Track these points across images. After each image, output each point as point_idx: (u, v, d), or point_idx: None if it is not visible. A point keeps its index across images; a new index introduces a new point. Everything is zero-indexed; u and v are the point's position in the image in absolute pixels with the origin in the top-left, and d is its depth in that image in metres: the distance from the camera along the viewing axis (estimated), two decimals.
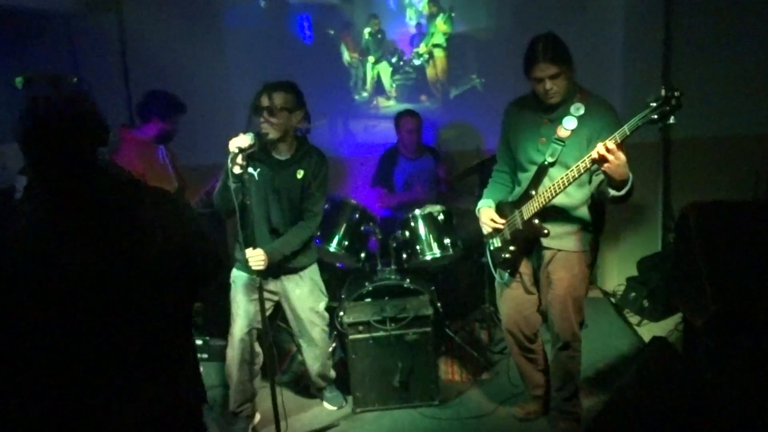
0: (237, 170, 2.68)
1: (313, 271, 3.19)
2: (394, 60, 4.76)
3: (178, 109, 3.59)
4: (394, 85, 4.82)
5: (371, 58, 4.77)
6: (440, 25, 4.64)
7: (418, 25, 4.70)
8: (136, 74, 4.67)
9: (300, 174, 2.97)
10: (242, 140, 2.68)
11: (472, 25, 4.65)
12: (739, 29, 4.32)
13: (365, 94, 4.84)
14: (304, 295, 3.14)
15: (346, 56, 4.78)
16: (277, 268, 3.00)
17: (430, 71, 4.76)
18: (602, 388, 3.35)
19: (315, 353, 3.27)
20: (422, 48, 4.71)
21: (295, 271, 3.10)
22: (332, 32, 4.77)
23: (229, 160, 2.67)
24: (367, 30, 4.73)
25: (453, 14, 4.63)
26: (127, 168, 3.20)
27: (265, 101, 2.81)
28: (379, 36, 4.74)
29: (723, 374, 2.70)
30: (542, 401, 3.11)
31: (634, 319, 4.34)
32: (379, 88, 4.83)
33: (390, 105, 4.83)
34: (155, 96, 3.54)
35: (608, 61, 4.49)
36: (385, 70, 4.80)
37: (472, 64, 4.71)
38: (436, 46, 4.70)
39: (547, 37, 2.57)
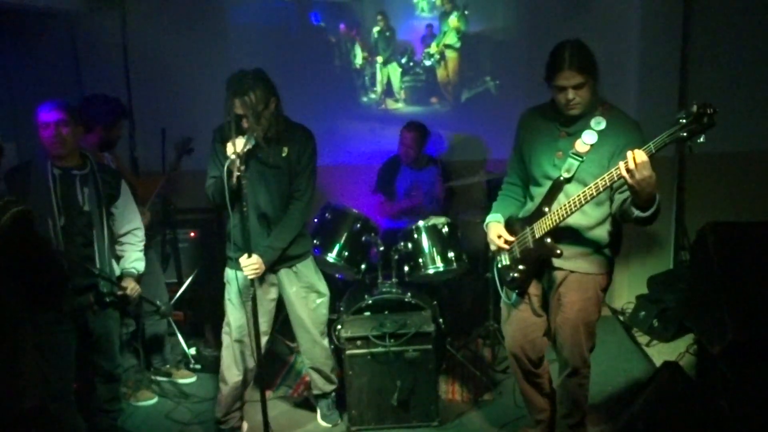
0: (236, 173, 2.61)
1: (307, 266, 3.07)
2: (404, 60, 4.60)
3: (123, 113, 3.45)
4: (403, 87, 4.66)
5: (380, 59, 4.62)
6: (453, 22, 4.47)
7: (429, 26, 4.53)
8: (138, 73, 4.61)
9: (284, 152, 2.84)
10: (239, 144, 2.62)
11: (486, 24, 4.46)
12: (758, 42, 4.23)
13: (374, 96, 4.69)
14: (299, 294, 3.04)
15: (359, 57, 4.63)
16: (273, 264, 2.90)
17: (441, 73, 4.59)
18: (610, 414, 3.21)
19: (315, 350, 3.15)
20: (433, 48, 4.54)
21: (288, 262, 2.98)
22: (341, 31, 4.64)
23: (227, 166, 2.60)
24: (375, 29, 4.58)
25: (467, 12, 4.45)
26: None
27: (239, 109, 2.67)
28: (388, 34, 4.57)
29: (740, 405, 2.56)
30: (546, 426, 2.96)
31: (643, 338, 4.19)
32: (387, 90, 4.68)
33: (398, 107, 4.68)
34: (96, 102, 3.35)
35: (624, 73, 4.37)
36: (394, 71, 4.65)
37: (485, 66, 4.53)
38: (448, 46, 4.53)
39: (574, 44, 2.41)
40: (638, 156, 2.11)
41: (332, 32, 4.62)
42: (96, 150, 3.34)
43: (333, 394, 3.30)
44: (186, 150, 3.83)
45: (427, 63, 4.57)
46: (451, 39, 4.50)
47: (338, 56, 4.64)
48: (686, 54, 4.31)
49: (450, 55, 4.55)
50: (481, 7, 4.45)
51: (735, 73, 4.22)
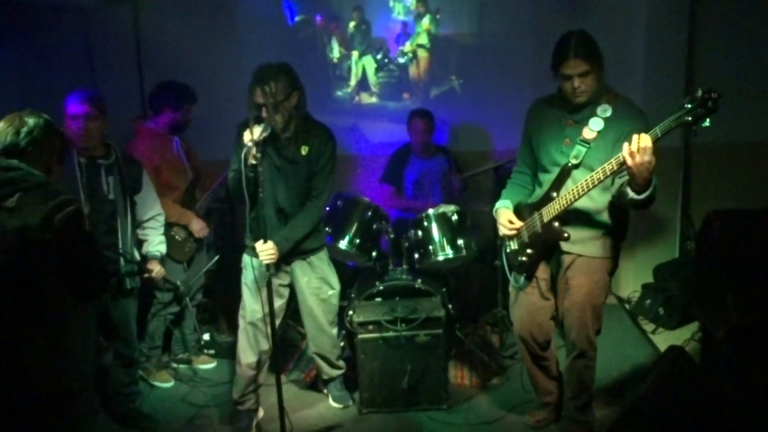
0: (252, 161, 2.68)
1: (321, 258, 3.15)
2: (379, 57, 4.79)
3: (190, 98, 3.58)
4: (378, 82, 4.83)
5: (355, 53, 4.77)
6: (425, 25, 4.71)
7: (404, 24, 4.74)
8: (151, 67, 4.65)
9: (305, 150, 2.91)
10: (256, 132, 2.68)
11: (455, 28, 4.74)
12: (764, 34, 4.23)
13: (348, 90, 4.84)
14: (311, 284, 3.12)
15: (336, 51, 4.77)
16: (287, 254, 2.97)
17: (412, 70, 4.81)
18: (616, 398, 3.27)
19: (322, 338, 3.23)
20: (407, 47, 4.75)
21: (303, 255, 3.06)
22: (318, 24, 4.77)
23: (243, 153, 2.67)
24: (352, 23, 4.74)
25: (438, 16, 4.69)
26: (143, 159, 3.20)
27: (259, 98, 2.75)
28: (363, 27, 4.74)
29: (744, 387, 2.62)
30: (553, 408, 3.03)
31: (648, 326, 4.25)
32: (362, 84, 4.84)
33: (372, 102, 4.85)
34: (166, 87, 3.54)
35: (630, 63, 4.40)
36: (369, 64, 4.81)
37: (452, 66, 4.80)
38: (420, 46, 4.75)
39: (579, 34, 2.48)
40: (643, 140, 2.19)
41: (310, 25, 4.76)
42: (166, 131, 3.52)
43: (341, 377, 3.39)
44: None
45: (401, 60, 4.79)
46: (423, 39, 4.73)
47: (314, 50, 4.77)
48: (692, 45, 4.33)
49: (422, 54, 4.77)
50: (449, 12, 4.70)
51: (741, 64, 4.23)
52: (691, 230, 4.46)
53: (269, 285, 2.82)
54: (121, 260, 2.92)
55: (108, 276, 2.74)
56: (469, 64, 4.72)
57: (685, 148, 4.47)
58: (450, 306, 3.52)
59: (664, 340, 3.99)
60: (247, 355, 3.07)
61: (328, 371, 3.35)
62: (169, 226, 3.36)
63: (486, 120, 4.67)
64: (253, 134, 2.68)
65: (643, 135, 2.20)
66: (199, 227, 3.60)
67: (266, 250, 2.79)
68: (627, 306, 4.59)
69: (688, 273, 4.10)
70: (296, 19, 4.74)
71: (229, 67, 4.62)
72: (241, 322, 3.08)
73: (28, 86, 4.20)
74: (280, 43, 4.71)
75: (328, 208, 3.67)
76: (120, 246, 2.91)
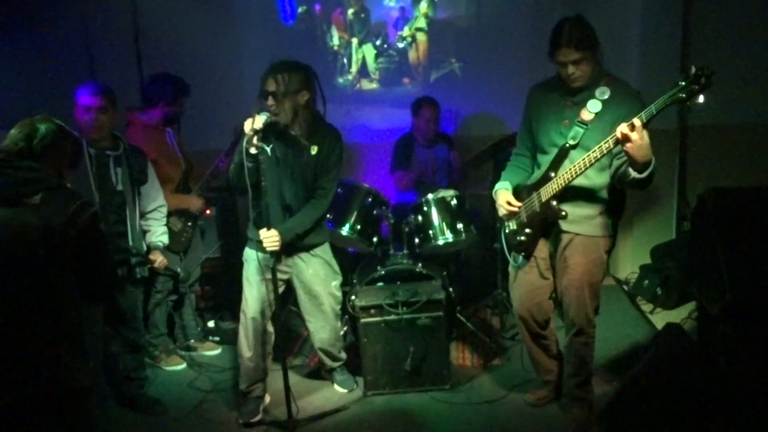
0: (253, 150, 2.70)
1: (324, 250, 3.19)
2: (378, 42, 4.82)
3: (184, 91, 3.59)
4: (377, 68, 4.85)
5: (355, 40, 4.80)
6: (424, 8, 4.73)
7: (402, 9, 4.76)
8: (149, 57, 4.68)
9: (314, 150, 2.96)
10: (257, 121, 2.70)
11: (452, 11, 4.77)
12: (759, 15, 4.25)
13: (349, 77, 4.87)
14: (317, 273, 3.15)
15: (336, 38, 4.79)
16: (290, 247, 3.00)
17: (412, 55, 4.83)
18: (615, 376, 3.34)
19: (325, 331, 3.27)
20: (406, 31, 4.78)
21: (307, 249, 3.10)
22: (317, 13, 4.80)
23: (245, 142, 2.70)
24: (350, 11, 4.77)
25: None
26: None
27: (270, 85, 2.79)
28: (363, 15, 4.77)
29: (739, 362, 2.66)
30: (553, 386, 3.09)
31: (647, 307, 4.31)
32: (362, 71, 4.88)
33: (373, 88, 4.89)
34: (161, 79, 3.55)
35: (626, 45, 4.44)
36: (369, 52, 4.84)
37: (451, 49, 4.82)
38: (419, 29, 4.77)
39: (573, 20, 2.52)
40: (624, 128, 2.26)
41: (310, 16, 4.79)
42: (160, 124, 3.53)
43: (342, 364, 3.45)
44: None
45: (400, 45, 4.81)
46: (422, 23, 4.76)
47: (314, 39, 4.80)
48: (687, 26, 4.36)
49: (420, 38, 4.79)
50: None
51: (735, 46, 4.26)
52: (687, 211, 4.51)
53: (274, 273, 2.87)
54: (132, 251, 2.98)
55: (119, 280, 2.79)
56: (468, 47, 4.74)
57: (681, 129, 4.51)
58: (451, 289, 3.57)
59: (662, 319, 4.04)
60: (248, 350, 3.09)
61: (330, 363, 3.41)
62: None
63: (488, 103, 4.70)
64: (253, 123, 2.71)
65: (634, 120, 2.26)
66: (197, 204, 3.65)
67: (270, 237, 2.83)
68: (625, 287, 4.65)
69: (685, 253, 4.15)
70: (298, 11, 4.76)
71: (227, 58, 4.66)
72: (242, 317, 3.10)
73: (28, 79, 4.23)
74: (279, 35, 4.74)
75: None
76: (129, 235, 2.96)
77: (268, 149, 2.90)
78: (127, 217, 2.95)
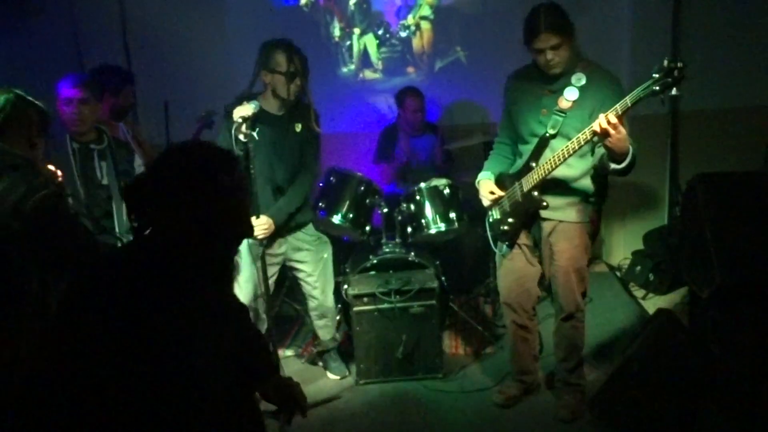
0: (242, 138, 2.72)
1: (311, 228, 3.26)
2: (380, 32, 4.75)
3: (128, 80, 3.50)
4: (380, 58, 4.80)
5: (357, 30, 4.75)
6: None
7: None
8: (138, 48, 4.64)
9: (298, 127, 3.00)
10: (246, 109, 2.72)
11: None
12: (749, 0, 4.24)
13: (352, 67, 4.82)
14: (311, 247, 3.21)
15: (337, 29, 4.74)
16: (281, 228, 3.03)
17: (416, 43, 4.75)
18: (607, 362, 3.35)
19: (327, 300, 3.32)
20: (410, 20, 4.71)
21: (297, 228, 3.14)
22: (319, 4, 4.73)
23: (233, 130, 2.71)
24: (352, 1, 4.71)
25: None
26: None
27: (284, 64, 2.82)
28: (364, 6, 4.71)
29: (729, 346, 2.69)
30: (525, 389, 3.06)
31: (639, 292, 4.33)
32: (364, 61, 4.82)
33: (376, 77, 4.83)
34: (102, 71, 3.42)
35: (616, 33, 4.41)
36: (371, 42, 4.78)
37: (456, 37, 4.73)
38: (423, 18, 4.69)
39: (548, 6, 2.53)
40: (603, 122, 2.27)
41: (311, 5, 4.72)
42: (110, 120, 3.43)
43: (335, 349, 3.47)
44: (207, 123, 3.88)
45: (403, 34, 4.74)
46: (426, 11, 4.68)
47: (316, 29, 4.74)
48: (678, 13, 4.34)
49: (425, 26, 4.71)
50: None
51: (727, 31, 4.25)
52: (679, 196, 4.51)
53: (263, 259, 2.88)
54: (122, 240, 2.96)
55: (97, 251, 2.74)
56: (473, 34, 4.65)
57: (672, 115, 4.50)
58: (443, 278, 3.57)
59: (654, 305, 4.05)
60: None
61: (327, 341, 3.42)
62: None
63: (495, 92, 4.63)
64: (243, 111, 2.71)
65: (601, 116, 2.28)
66: None
67: (260, 225, 2.85)
68: (618, 273, 4.66)
69: (677, 239, 4.16)
70: (300, 2, 4.71)
71: (217, 49, 4.61)
72: None
73: (15, 70, 4.18)
74: (265, 26, 4.66)
75: (321, 184, 3.70)
76: (117, 228, 2.94)
77: (255, 133, 2.89)
78: (114, 211, 2.93)
